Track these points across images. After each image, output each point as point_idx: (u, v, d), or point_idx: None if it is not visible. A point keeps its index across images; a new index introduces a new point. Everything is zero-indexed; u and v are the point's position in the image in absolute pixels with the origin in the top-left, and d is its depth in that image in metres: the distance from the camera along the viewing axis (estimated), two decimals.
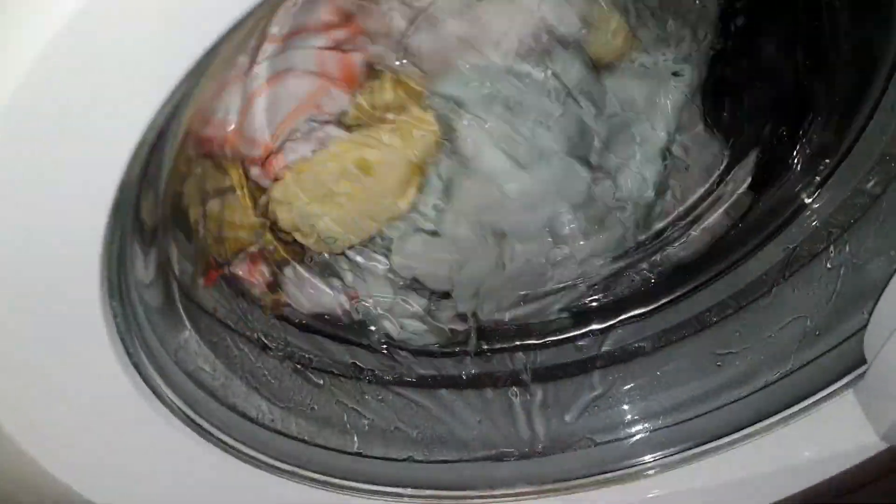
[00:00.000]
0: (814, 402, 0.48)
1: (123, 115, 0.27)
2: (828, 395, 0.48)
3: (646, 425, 0.52)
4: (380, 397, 0.52)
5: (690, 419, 0.53)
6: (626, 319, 0.57)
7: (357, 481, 0.46)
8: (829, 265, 0.49)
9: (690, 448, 0.50)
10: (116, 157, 0.27)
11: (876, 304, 0.44)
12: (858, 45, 0.47)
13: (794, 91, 0.50)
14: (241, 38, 0.38)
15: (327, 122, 0.46)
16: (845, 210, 0.48)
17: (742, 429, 0.50)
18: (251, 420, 0.42)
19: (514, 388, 0.57)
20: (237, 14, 0.26)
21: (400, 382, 0.54)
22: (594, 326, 0.57)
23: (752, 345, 0.53)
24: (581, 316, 0.57)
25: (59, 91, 0.26)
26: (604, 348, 0.57)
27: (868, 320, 0.45)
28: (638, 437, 0.53)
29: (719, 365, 0.55)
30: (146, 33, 0.25)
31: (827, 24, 0.47)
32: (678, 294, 0.59)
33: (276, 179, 0.47)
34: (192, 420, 0.38)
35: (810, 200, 0.52)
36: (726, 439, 0.51)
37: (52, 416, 0.31)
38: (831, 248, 0.49)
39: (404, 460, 0.49)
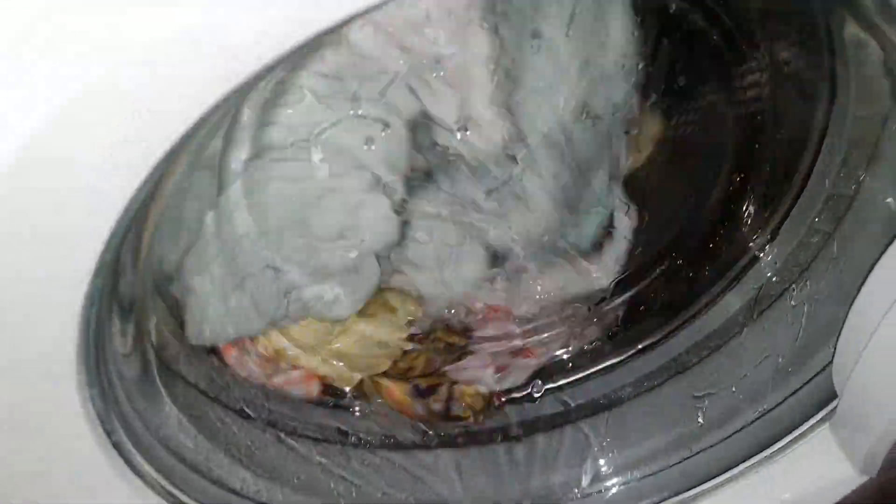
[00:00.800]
0: (790, 441, 0.49)
1: (102, 196, 0.28)
2: (803, 432, 0.49)
3: (627, 475, 0.53)
4: (366, 462, 0.52)
5: (671, 465, 0.54)
6: (602, 369, 0.58)
7: None
8: (793, 303, 0.51)
9: (672, 496, 0.50)
10: (95, 235, 0.28)
11: (839, 337, 0.45)
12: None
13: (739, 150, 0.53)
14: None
15: None
16: (801, 251, 0.50)
17: (722, 473, 0.51)
18: (236, 493, 0.43)
19: (501, 445, 0.57)
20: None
21: (386, 446, 0.55)
22: (570, 378, 0.58)
23: (728, 385, 0.54)
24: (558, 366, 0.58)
25: (38, 178, 0.27)
26: (584, 399, 0.57)
27: (834, 353, 0.46)
28: (619, 488, 0.53)
29: (698, 407, 0.55)
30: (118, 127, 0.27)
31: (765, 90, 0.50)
32: (653, 340, 0.60)
33: None
34: (176, 497, 0.39)
35: (762, 254, 0.54)
36: (708, 485, 0.51)
37: (29, 496, 0.31)
38: (793, 286, 0.51)
39: None
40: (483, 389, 0.57)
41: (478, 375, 0.58)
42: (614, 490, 0.52)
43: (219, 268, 0.43)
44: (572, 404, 0.57)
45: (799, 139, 0.49)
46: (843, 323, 0.44)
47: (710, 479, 0.51)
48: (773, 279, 0.52)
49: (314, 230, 0.45)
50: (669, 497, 0.50)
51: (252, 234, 0.43)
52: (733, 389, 0.54)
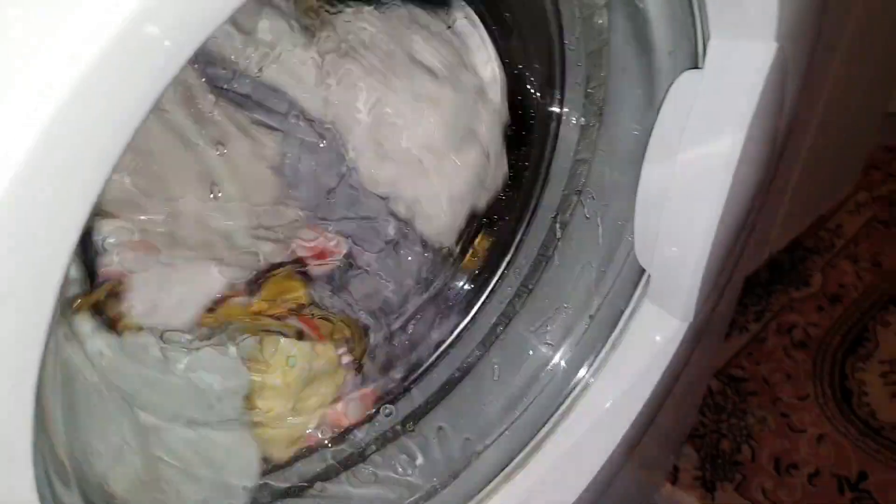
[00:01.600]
0: (627, 321, 0.59)
1: None
2: (631, 311, 0.59)
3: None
4: None
5: (530, 405, 0.61)
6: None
7: None
8: (587, 215, 0.60)
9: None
10: None
11: (634, 225, 0.55)
12: None
13: None
14: None
15: None
16: (578, 170, 0.60)
17: (579, 381, 0.59)
18: None
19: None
20: None
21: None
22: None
23: (559, 306, 0.63)
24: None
25: None
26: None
27: (633, 239, 0.56)
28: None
29: (542, 338, 0.64)
30: None
31: None
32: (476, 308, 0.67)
33: None
34: None
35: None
36: (577, 389, 0.60)
37: None
38: (581, 203, 0.60)
39: None
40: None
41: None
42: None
43: None
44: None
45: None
46: (634, 212, 0.55)
47: (575, 386, 0.60)
48: (562, 202, 0.62)
49: None
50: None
51: None
52: (565, 306, 0.62)
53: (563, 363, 0.60)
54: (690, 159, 0.49)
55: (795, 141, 1.12)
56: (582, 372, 0.60)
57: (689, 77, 0.48)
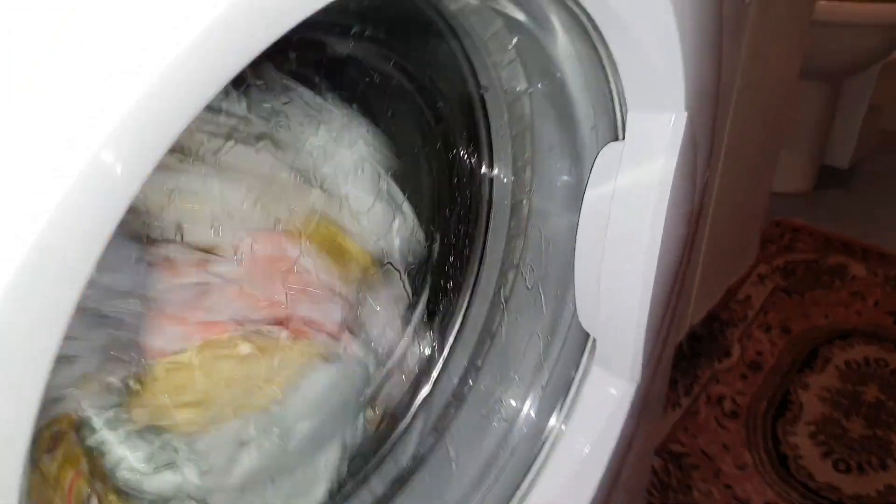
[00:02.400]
0: (576, 391, 0.60)
1: None
2: (581, 377, 0.60)
3: None
4: None
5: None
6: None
7: None
8: (528, 286, 0.62)
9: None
10: None
11: (575, 292, 0.57)
12: None
13: None
14: None
15: None
16: (514, 244, 0.63)
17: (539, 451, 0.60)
18: None
19: None
20: None
21: None
22: None
23: (509, 378, 0.64)
24: None
25: None
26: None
27: (575, 305, 0.58)
28: None
29: (494, 413, 0.64)
30: None
31: None
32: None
33: None
34: None
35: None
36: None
37: None
38: (521, 274, 0.63)
39: None
40: None
41: None
42: None
43: None
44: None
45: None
46: (574, 280, 0.57)
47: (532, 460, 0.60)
48: (500, 275, 0.64)
49: None
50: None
51: None
52: (516, 379, 0.63)
53: (523, 429, 0.60)
54: (620, 219, 0.52)
55: (700, 222, 1.20)
56: (543, 437, 0.60)
57: (612, 147, 0.52)
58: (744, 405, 1.41)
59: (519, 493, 0.58)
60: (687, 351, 1.52)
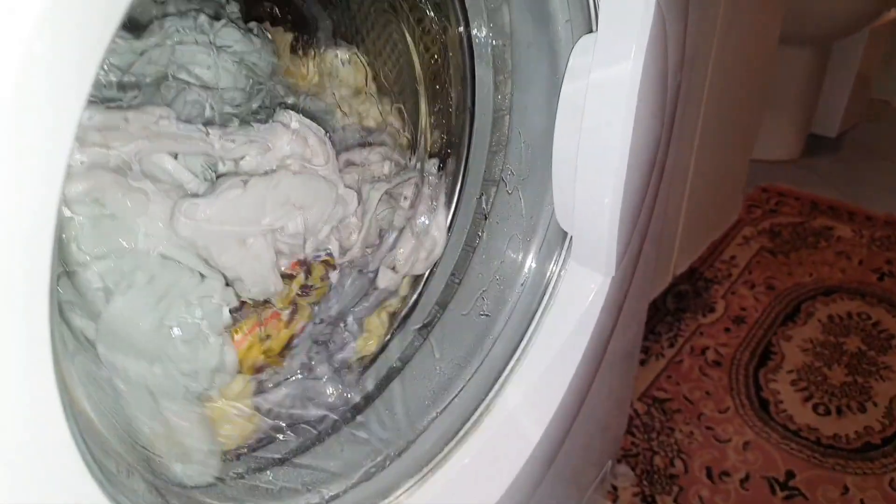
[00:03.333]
0: (554, 283, 0.63)
1: None
2: (558, 270, 0.63)
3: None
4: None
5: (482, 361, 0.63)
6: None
7: None
8: (509, 191, 0.65)
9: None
10: None
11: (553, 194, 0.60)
12: None
13: None
14: None
15: None
16: (494, 159, 0.65)
17: (521, 340, 0.62)
18: None
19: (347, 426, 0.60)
20: None
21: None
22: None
23: (488, 279, 0.66)
24: None
25: None
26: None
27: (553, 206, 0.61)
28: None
29: (478, 309, 0.66)
30: None
31: None
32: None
33: None
34: None
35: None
36: (521, 346, 0.62)
37: None
38: (502, 180, 0.65)
39: None
40: None
41: None
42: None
43: None
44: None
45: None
46: (551, 180, 0.60)
47: (519, 342, 0.62)
48: (490, 187, 0.66)
49: None
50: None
51: None
52: (497, 278, 0.66)
53: (504, 330, 0.63)
54: (594, 113, 0.54)
55: (680, 177, 1.23)
56: (521, 337, 0.62)
57: (586, 39, 0.54)
58: (727, 355, 1.44)
59: (502, 377, 0.60)
60: (671, 306, 1.55)
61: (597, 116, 0.54)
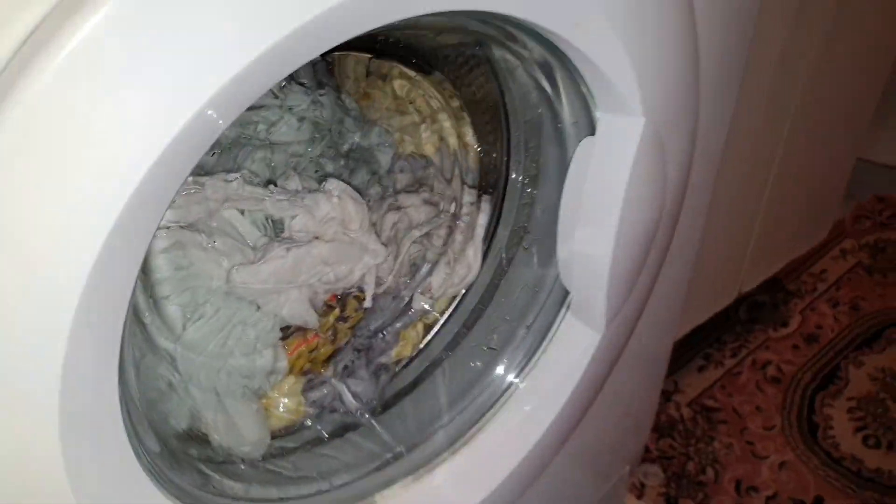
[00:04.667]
0: (555, 333, 0.73)
1: None
2: (559, 325, 0.73)
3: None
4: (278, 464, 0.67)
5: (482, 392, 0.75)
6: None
7: None
8: (525, 246, 0.75)
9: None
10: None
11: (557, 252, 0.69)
12: None
13: None
14: None
15: None
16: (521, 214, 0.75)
17: (522, 369, 0.73)
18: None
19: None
20: None
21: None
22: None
23: (502, 319, 0.77)
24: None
25: None
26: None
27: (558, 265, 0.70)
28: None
29: (491, 347, 0.78)
30: None
31: None
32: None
33: None
34: None
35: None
36: (512, 379, 0.73)
37: None
38: (523, 237, 0.75)
39: (316, 494, 0.64)
40: None
41: None
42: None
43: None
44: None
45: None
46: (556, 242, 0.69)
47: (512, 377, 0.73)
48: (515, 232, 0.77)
49: None
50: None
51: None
52: (507, 318, 0.77)
53: (501, 367, 0.74)
54: (590, 203, 0.63)
55: (755, 188, 1.25)
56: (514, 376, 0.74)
57: (587, 142, 0.63)
58: (788, 373, 1.46)
59: (497, 405, 0.72)
60: (744, 316, 1.57)
61: (591, 206, 0.63)
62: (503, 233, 0.78)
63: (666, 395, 1.40)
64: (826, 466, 1.28)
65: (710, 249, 1.20)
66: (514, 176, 0.75)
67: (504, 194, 0.77)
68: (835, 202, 1.57)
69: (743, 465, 1.29)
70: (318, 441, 0.70)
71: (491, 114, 0.74)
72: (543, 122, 0.68)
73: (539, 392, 0.72)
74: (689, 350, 1.48)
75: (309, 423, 0.72)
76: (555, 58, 0.57)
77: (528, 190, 0.75)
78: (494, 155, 0.77)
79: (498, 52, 0.64)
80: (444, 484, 0.67)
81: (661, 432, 1.34)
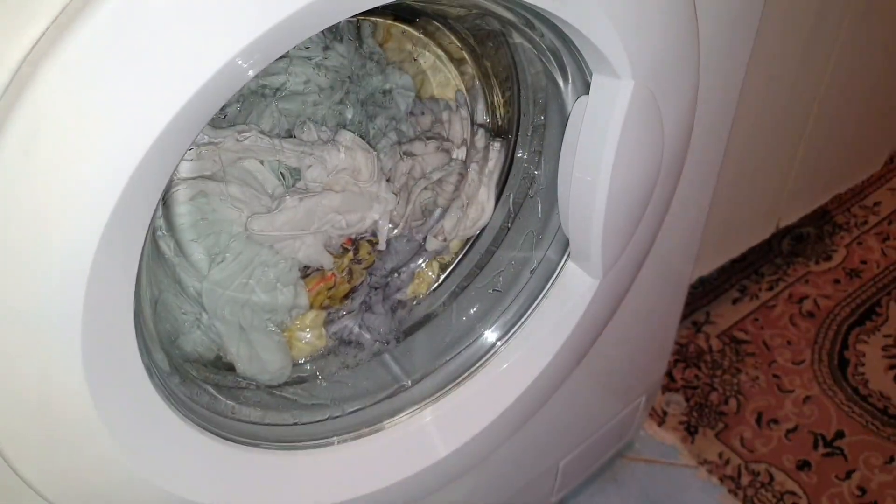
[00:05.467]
0: (555, 279, 0.77)
1: None
2: (560, 269, 0.77)
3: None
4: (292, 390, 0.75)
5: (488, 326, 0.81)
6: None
7: (297, 441, 0.69)
8: (531, 195, 0.78)
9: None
10: None
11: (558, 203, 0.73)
12: None
13: None
14: None
15: None
16: (531, 163, 0.78)
17: (525, 313, 0.78)
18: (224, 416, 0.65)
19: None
20: None
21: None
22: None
23: (505, 262, 0.82)
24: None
25: None
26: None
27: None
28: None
29: (496, 290, 0.82)
30: None
31: None
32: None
33: None
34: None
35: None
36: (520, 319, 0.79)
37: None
38: (530, 185, 0.78)
39: (327, 419, 0.72)
40: None
41: None
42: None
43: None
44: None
45: None
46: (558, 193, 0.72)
47: (519, 318, 0.79)
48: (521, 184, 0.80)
49: None
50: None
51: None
52: (512, 263, 0.81)
53: (510, 305, 0.79)
54: (584, 158, 0.66)
55: (795, 125, 1.22)
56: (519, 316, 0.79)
57: (581, 101, 0.64)
58: (825, 308, 1.46)
59: (499, 344, 0.78)
60: (786, 248, 1.56)
61: (586, 162, 0.66)
62: (513, 181, 0.81)
63: (697, 326, 1.42)
64: (851, 402, 1.30)
65: (745, 182, 1.19)
66: (524, 125, 0.78)
67: (516, 141, 0.80)
68: (891, 131, 1.51)
69: (766, 398, 1.32)
70: (333, 371, 0.78)
71: (505, 73, 0.76)
72: (546, 80, 0.70)
73: (542, 331, 0.77)
74: (724, 282, 1.49)
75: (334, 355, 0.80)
76: (546, 26, 0.59)
77: (536, 139, 0.78)
78: (507, 105, 0.79)
79: (496, 22, 0.66)
80: (466, 401, 0.74)
81: (687, 362, 1.38)
